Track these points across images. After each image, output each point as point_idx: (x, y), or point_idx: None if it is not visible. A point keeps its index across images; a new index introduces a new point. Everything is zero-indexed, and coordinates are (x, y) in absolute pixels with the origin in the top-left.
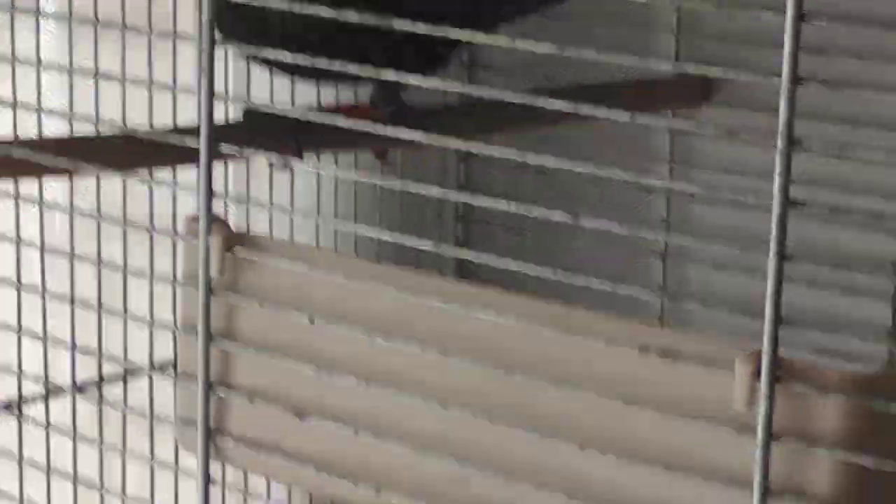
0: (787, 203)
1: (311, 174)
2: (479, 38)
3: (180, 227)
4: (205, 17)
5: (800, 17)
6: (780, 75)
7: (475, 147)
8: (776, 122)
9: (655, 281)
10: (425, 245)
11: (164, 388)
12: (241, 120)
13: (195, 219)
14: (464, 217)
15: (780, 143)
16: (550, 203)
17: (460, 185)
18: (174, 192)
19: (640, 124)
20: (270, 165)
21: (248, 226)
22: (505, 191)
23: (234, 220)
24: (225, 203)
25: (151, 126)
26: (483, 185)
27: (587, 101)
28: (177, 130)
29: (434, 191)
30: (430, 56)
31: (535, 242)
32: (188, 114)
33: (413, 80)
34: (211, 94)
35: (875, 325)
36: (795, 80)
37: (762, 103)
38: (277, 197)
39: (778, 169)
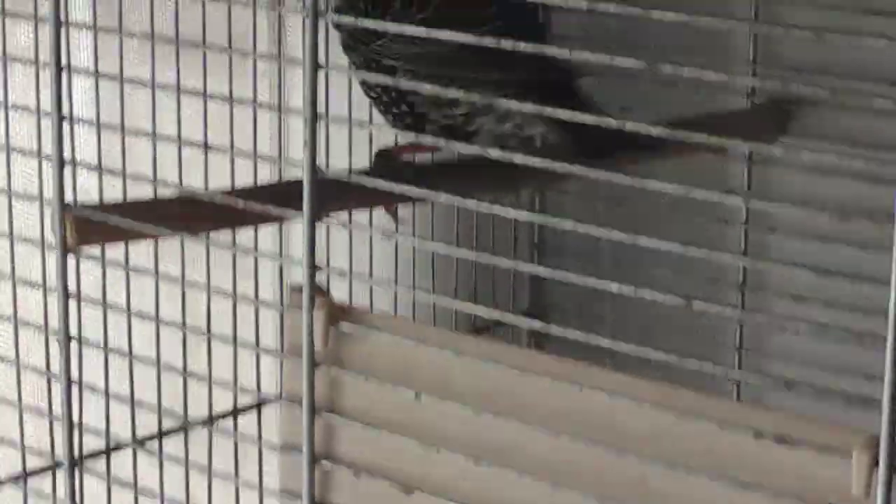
0: None
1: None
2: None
3: (265, 290)
4: (308, 97)
5: None
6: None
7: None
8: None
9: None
10: (505, 318)
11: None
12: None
13: (298, 290)
14: (539, 247)
15: None
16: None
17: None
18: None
19: (717, 162)
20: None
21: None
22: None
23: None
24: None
25: (207, 187)
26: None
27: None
28: (272, 192)
29: (506, 262)
30: None
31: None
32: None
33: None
34: (314, 170)
35: None
36: None
37: (839, 134)
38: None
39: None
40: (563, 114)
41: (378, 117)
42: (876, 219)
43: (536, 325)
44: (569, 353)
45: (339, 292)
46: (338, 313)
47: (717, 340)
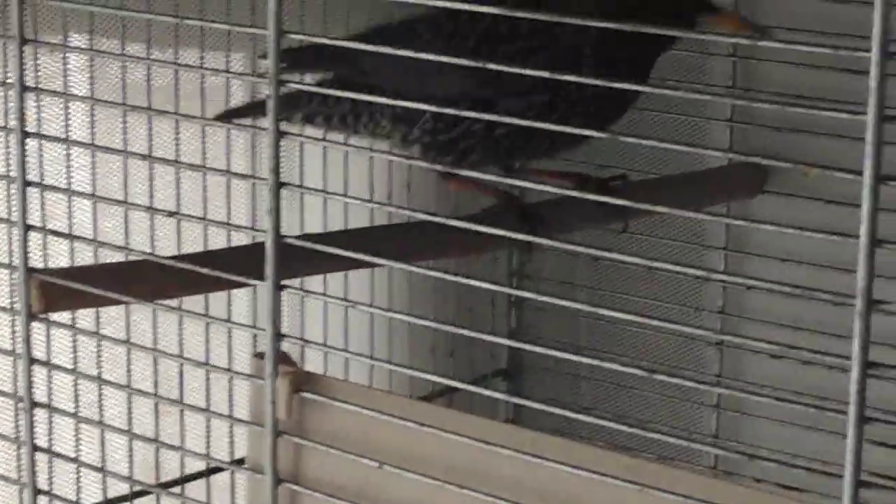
0: (867, 365)
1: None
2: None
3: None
4: (271, 173)
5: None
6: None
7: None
8: (833, 214)
9: (710, 371)
10: (459, 385)
11: None
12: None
13: (261, 356)
14: (517, 303)
15: (858, 303)
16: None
17: (512, 271)
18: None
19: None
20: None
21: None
22: (558, 284)
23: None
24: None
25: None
26: (536, 276)
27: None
28: (238, 257)
29: (474, 333)
30: None
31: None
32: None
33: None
34: (278, 237)
35: None
36: (874, 242)
37: (818, 193)
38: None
39: (856, 331)
40: None
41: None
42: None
43: (500, 395)
44: (544, 414)
45: (317, 357)
46: (301, 381)
47: (694, 398)
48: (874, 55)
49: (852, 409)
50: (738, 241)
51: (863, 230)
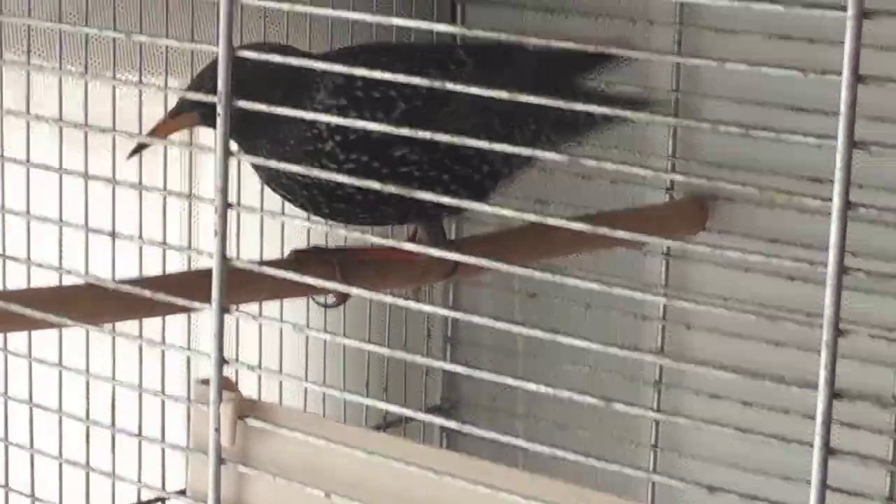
0: (833, 395)
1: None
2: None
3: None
4: (219, 186)
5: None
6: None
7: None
8: (773, 249)
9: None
10: (417, 415)
11: None
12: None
13: (205, 383)
14: (452, 339)
15: (825, 333)
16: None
17: (448, 307)
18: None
19: (634, 256)
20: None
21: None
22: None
23: None
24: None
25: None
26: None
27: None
28: (180, 281)
29: (420, 360)
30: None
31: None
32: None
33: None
34: (224, 260)
35: None
36: (842, 269)
37: (757, 230)
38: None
39: (823, 360)
40: None
41: (288, 208)
42: (797, 318)
43: (452, 424)
44: (481, 450)
45: (247, 384)
46: (246, 408)
47: (632, 438)
48: (845, 78)
49: (817, 441)
50: (676, 280)
51: (831, 255)
